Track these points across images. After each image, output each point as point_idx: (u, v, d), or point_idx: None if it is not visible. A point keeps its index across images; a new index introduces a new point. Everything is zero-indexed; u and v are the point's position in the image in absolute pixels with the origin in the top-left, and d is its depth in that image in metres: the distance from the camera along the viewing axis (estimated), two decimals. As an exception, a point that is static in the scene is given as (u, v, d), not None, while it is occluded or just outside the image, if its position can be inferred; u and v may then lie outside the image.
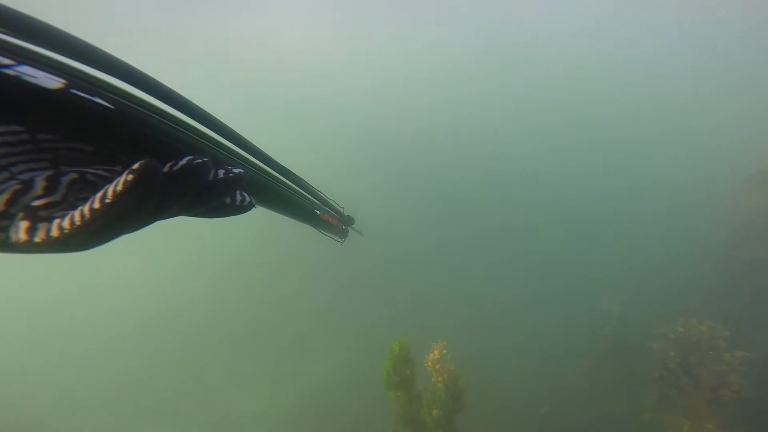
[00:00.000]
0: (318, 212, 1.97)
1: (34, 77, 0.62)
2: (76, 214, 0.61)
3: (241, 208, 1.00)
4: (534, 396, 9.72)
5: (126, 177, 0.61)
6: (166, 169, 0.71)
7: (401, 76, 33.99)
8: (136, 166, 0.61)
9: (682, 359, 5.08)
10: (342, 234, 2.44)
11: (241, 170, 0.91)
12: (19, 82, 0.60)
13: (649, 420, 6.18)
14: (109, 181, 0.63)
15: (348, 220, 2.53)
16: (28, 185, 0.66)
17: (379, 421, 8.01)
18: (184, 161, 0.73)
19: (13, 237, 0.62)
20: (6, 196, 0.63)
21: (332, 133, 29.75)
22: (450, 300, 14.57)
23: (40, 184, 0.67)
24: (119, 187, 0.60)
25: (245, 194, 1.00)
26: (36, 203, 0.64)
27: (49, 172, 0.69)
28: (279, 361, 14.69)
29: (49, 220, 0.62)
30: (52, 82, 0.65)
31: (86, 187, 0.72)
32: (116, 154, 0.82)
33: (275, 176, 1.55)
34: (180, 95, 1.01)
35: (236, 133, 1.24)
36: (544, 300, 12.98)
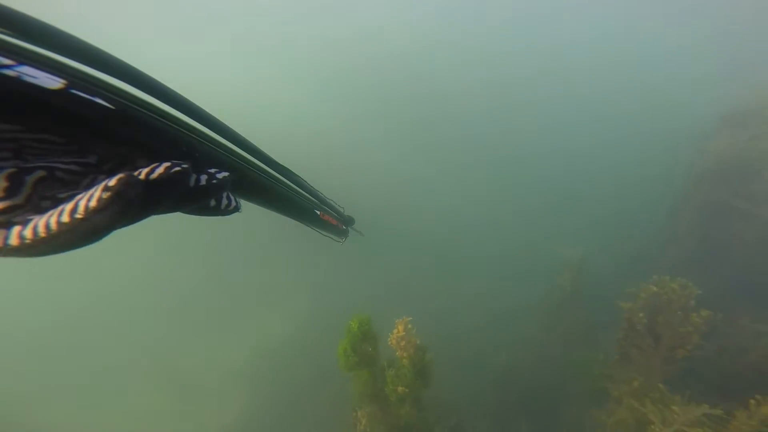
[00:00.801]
0: (318, 212, 1.99)
1: (34, 77, 0.63)
2: (41, 224, 0.60)
3: (226, 211, 1.02)
4: (492, 346, 10.13)
5: (101, 194, 0.60)
6: (142, 176, 0.69)
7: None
8: (113, 182, 0.61)
9: (650, 320, 5.02)
10: (342, 234, 2.46)
11: (226, 175, 0.92)
12: (19, 82, 0.61)
13: (600, 373, 6.40)
14: (85, 184, 0.70)
15: (348, 220, 2.53)
16: None
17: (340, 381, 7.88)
18: (161, 169, 0.71)
19: None
20: None
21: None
22: (407, 253, 14.47)
23: (0, 184, 0.65)
24: (93, 203, 0.59)
25: (231, 197, 1.03)
26: None
27: (11, 169, 0.67)
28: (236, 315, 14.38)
29: (8, 227, 0.60)
30: (52, 82, 0.66)
31: (54, 185, 0.71)
32: (89, 145, 0.80)
33: (275, 176, 1.56)
34: (181, 96, 1.03)
35: (237, 133, 1.25)
36: (506, 249, 13.21)
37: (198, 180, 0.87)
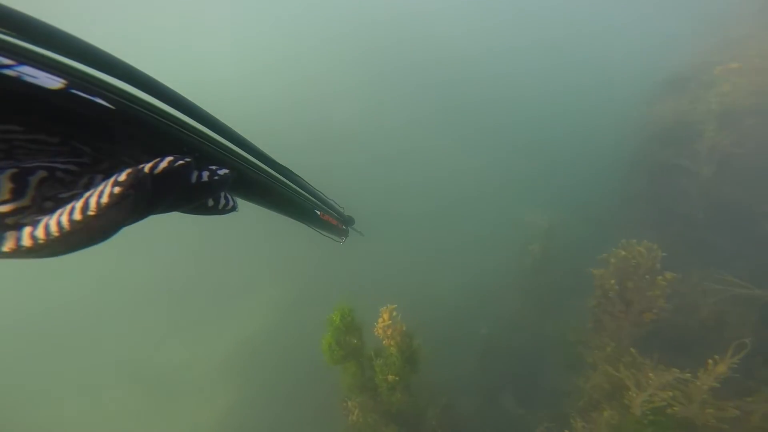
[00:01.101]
0: (318, 212, 2.00)
1: (34, 77, 0.63)
2: (53, 223, 0.60)
3: (224, 211, 1.03)
4: (472, 320, 10.57)
5: (112, 189, 0.61)
6: (146, 170, 0.69)
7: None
8: (122, 176, 0.62)
9: (620, 286, 5.39)
10: (342, 234, 2.48)
11: (227, 172, 0.92)
12: (19, 82, 0.61)
13: (576, 340, 6.86)
14: (83, 184, 0.71)
15: (348, 220, 2.55)
16: None
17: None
18: (164, 163, 0.71)
19: None
20: None
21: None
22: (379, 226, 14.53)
23: (6, 185, 0.65)
24: (104, 199, 0.61)
25: (229, 197, 1.04)
26: (2, 209, 0.63)
27: (13, 170, 0.67)
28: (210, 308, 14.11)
29: (18, 228, 0.62)
30: (52, 82, 0.66)
31: (55, 185, 0.71)
32: (80, 145, 0.79)
33: (275, 176, 1.57)
34: (181, 96, 1.03)
35: (236, 133, 1.27)
36: (474, 220, 13.58)
37: (200, 176, 0.88)
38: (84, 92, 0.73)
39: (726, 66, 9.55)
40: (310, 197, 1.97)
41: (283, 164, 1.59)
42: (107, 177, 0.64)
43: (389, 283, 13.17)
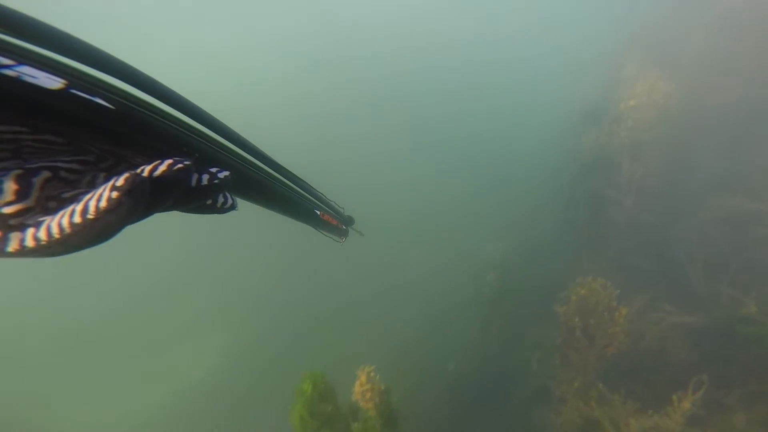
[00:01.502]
0: (318, 212, 2.03)
1: (34, 77, 0.64)
2: (54, 225, 0.63)
3: (222, 210, 1.03)
4: (438, 353, 10.73)
5: (110, 193, 0.63)
6: (145, 173, 0.72)
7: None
8: (120, 182, 0.64)
9: (583, 322, 5.86)
10: (342, 234, 2.51)
11: (227, 174, 0.95)
12: (19, 82, 0.62)
13: (540, 371, 7.27)
14: (86, 182, 0.74)
15: (348, 220, 2.58)
16: None
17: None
18: (163, 166, 0.72)
19: None
20: None
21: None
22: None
23: (10, 187, 0.67)
24: (103, 204, 0.62)
25: (228, 196, 1.04)
26: (6, 210, 0.65)
27: (18, 170, 0.69)
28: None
29: (22, 229, 0.64)
30: (52, 82, 0.67)
31: (58, 185, 0.74)
32: (87, 143, 0.82)
33: (275, 176, 1.60)
34: (180, 96, 1.03)
35: (236, 133, 1.27)
36: (433, 252, 13.97)
37: (200, 179, 0.90)
38: (84, 92, 0.73)
39: (626, 103, 11.18)
40: (309, 197, 2.00)
41: (283, 164, 1.61)
42: (109, 176, 0.70)
43: (351, 319, 12.93)
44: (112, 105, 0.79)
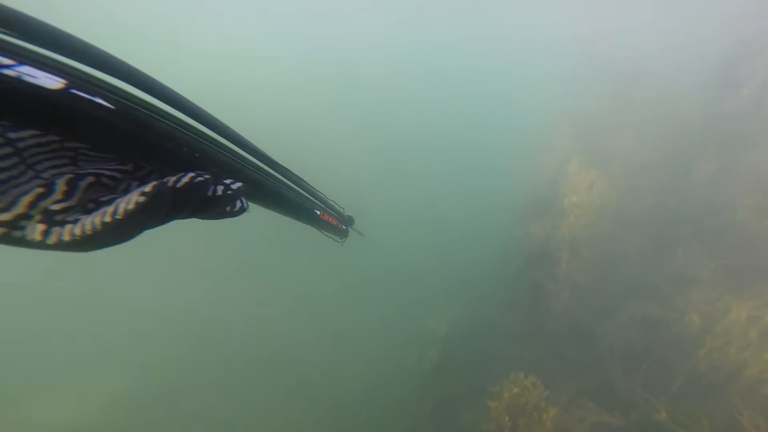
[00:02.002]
0: (318, 212, 2.04)
1: (34, 77, 0.66)
2: (87, 223, 0.74)
3: (234, 213, 1.14)
4: (370, 421, 10.43)
5: (137, 198, 0.76)
6: (170, 183, 0.85)
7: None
8: (148, 188, 0.77)
9: (512, 421, 6.12)
10: (342, 234, 2.53)
11: (240, 185, 1.09)
12: (19, 82, 0.64)
13: None
14: (121, 189, 0.86)
15: (348, 221, 2.61)
16: (50, 188, 0.77)
17: None
18: (186, 178, 0.87)
19: (29, 236, 0.73)
20: (29, 198, 0.74)
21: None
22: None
23: (60, 188, 0.79)
24: (131, 206, 0.75)
25: (242, 200, 1.15)
26: (54, 207, 0.76)
27: (69, 175, 0.81)
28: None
29: (62, 224, 0.75)
30: (52, 82, 0.69)
31: (99, 189, 0.85)
32: (128, 155, 0.91)
33: (276, 177, 1.64)
34: (180, 95, 1.07)
35: (236, 133, 1.31)
36: (379, 313, 13.98)
37: (215, 190, 1.00)
38: (84, 92, 0.75)
39: (570, 198, 12.56)
40: (310, 197, 2.03)
41: (283, 165, 1.64)
42: (142, 183, 0.79)
43: (284, 360, 12.33)
44: (112, 105, 0.82)
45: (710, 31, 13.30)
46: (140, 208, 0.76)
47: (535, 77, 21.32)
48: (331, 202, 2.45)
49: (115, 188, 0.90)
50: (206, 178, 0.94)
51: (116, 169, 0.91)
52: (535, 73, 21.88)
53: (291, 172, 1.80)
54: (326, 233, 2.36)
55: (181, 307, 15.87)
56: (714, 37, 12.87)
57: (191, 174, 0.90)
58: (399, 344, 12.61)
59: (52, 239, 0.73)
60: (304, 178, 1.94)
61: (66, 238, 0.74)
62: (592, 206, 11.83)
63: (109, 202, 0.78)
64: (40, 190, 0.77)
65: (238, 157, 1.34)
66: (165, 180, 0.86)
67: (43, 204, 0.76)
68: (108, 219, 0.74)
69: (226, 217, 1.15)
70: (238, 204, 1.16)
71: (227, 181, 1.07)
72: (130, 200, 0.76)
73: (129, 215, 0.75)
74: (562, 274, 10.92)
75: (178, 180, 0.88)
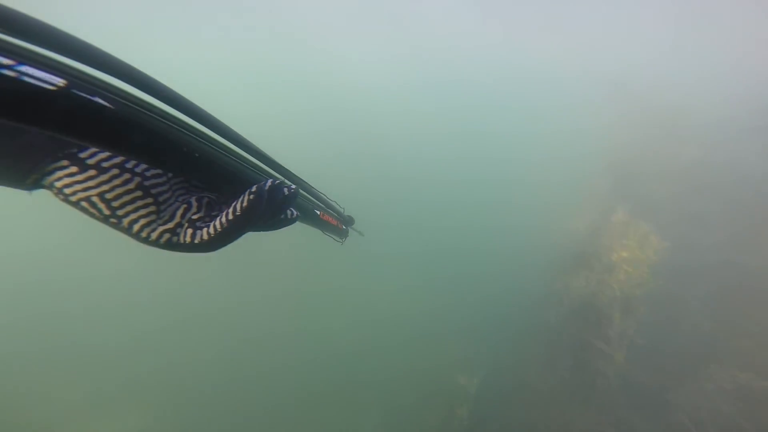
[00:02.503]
0: (318, 212, 2.07)
1: (34, 77, 0.69)
2: (214, 224, 1.05)
3: (292, 221, 1.31)
4: None
5: (248, 196, 1.03)
6: (267, 186, 1.08)
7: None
8: (253, 189, 1.04)
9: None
10: (342, 234, 2.56)
11: (295, 187, 1.21)
12: (19, 83, 0.66)
13: None
14: (223, 201, 1.17)
15: (348, 220, 2.62)
16: (189, 205, 1.11)
17: None
18: (269, 183, 1.09)
19: (181, 239, 1.03)
20: (180, 212, 1.08)
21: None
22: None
23: (195, 204, 1.12)
24: (245, 203, 1.02)
25: (293, 209, 1.33)
26: (194, 217, 1.08)
27: (196, 197, 1.14)
28: None
29: (200, 228, 1.05)
30: (52, 82, 0.71)
31: (213, 206, 1.16)
32: (217, 185, 1.18)
33: (275, 176, 1.69)
34: (180, 95, 1.11)
35: (236, 133, 1.36)
36: (402, 364, 12.89)
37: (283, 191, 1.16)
38: (84, 92, 0.77)
39: (618, 253, 11.74)
40: (310, 197, 2.06)
41: (283, 164, 1.68)
42: (228, 204, 1.08)
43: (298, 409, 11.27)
44: (112, 105, 0.84)
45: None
46: (251, 203, 1.01)
47: (568, 117, 21.28)
48: (332, 202, 2.48)
49: (218, 207, 1.16)
50: (282, 181, 1.14)
51: (213, 196, 1.18)
52: (568, 112, 21.85)
53: (291, 172, 1.84)
54: (326, 233, 2.43)
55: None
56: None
57: (270, 180, 1.10)
58: (423, 399, 11.42)
59: (197, 239, 1.02)
60: (304, 178, 1.98)
61: (205, 237, 1.02)
62: (646, 262, 11.02)
63: (218, 215, 1.07)
64: (185, 206, 1.08)
65: (238, 157, 1.36)
66: (261, 183, 1.07)
67: (188, 215, 1.07)
68: (231, 216, 1.02)
69: (281, 226, 1.30)
70: (295, 212, 1.32)
71: (287, 185, 1.22)
72: (243, 199, 1.02)
73: (245, 209, 1.01)
74: (615, 333, 9.90)
75: (264, 184, 1.07)
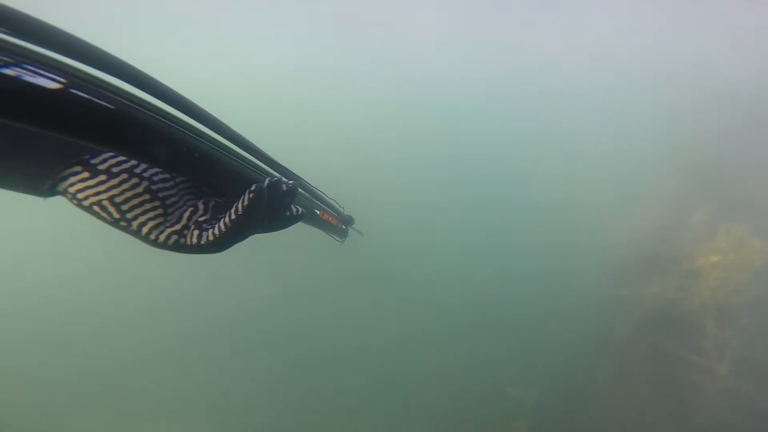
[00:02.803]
0: (318, 212, 2.08)
1: (34, 77, 0.70)
2: (218, 225, 1.07)
3: (298, 218, 1.34)
4: None
5: (248, 195, 1.03)
6: (265, 184, 1.09)
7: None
8: (252, 188, 1.04)
9: None
10: (342, 234, 2.56)
11: (294, 183, 1.22)
12: (18, 82, 0.67)
13: None
14: (229, 204, 1.14)
15: (348, 220, 2.62)
16: (195, 208, 1.13)
17: None
18: (267, 181, 1.09)
19: (188, 240, 1.06)
20: (187, 214, 1.10)
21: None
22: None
23: (201, 207, 1.14)
24: (245, 203, 1.03)
25: (297, 206, 1.36)
26: (200, 219, 1.10)
27: (203, 200, 1.16)
28: None
29: (206, 229, 1.07)
30: (51, 82, 0.72)
31: (220, 208, 1.17)
32: (221, 188, 1.20)
33: (276, 176, 1.65)
34: (179, 95, 1.11)
35: (235, 132, 1.35)
36: (451, 393, 11.61)
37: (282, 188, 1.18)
38: (84, 92, 0.77)
39: (706, 258, 10.17)
40: (310, 197, 2.02)
41: (283, 164, 1.66)
42: (239, 200, 1.07)
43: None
44: (112, 105, 0.83)
45: None
46: (251, 201, 1.02)
47: (632, 108, 19.67)
48: (332, 202, 2.42)
49: (224, 209, 1.17)
50: (279, 178, 1.13)
51: (220, 200, 1.21)
52: (632, 103, 20.20)
53: (291, 172, 1.81)
54: (326, 233, 2.41)
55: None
56: None
57: (268, 178, 1.10)
58: (471, 412, 10.17)
59: (203, 240, 1.06)
60: (304, 177, 1.94)
61: (210, 238, 1.06)
62: (745, 267, 9.47)
63: (222, 217, 1.08)
64: (192, 209, 1.12)
65: (237, 156, 1.31)
66: (260, 182, 1.07)
67: (195, 217, 1.11)
68: (233, 216, 1.04)
69: (288, 225, 1.31)
70: (300, 209, 1.34)
71: (284, 182, 1.22)
72: (244, 199, 1.03)
73: (246, 208, 1.03)
74: (712, 345, 8.44)
75: (262, 183, 1.07)
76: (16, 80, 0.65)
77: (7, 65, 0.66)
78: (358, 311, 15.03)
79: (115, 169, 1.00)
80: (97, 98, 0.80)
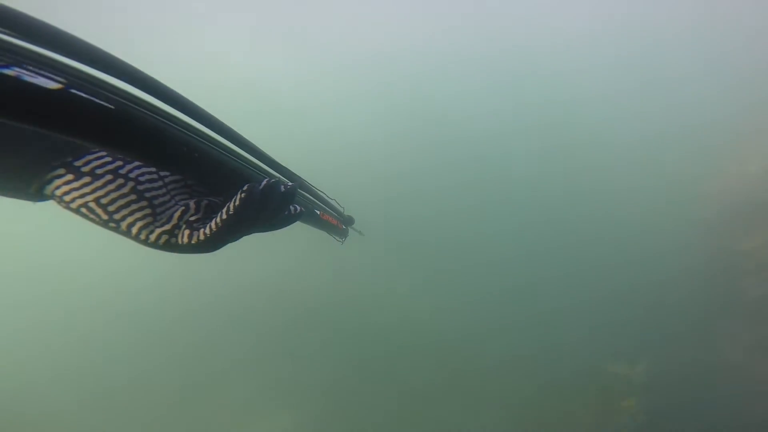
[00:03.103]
0: (318, 212, 2.10)
1: (34, 77, 0.70)
2: (209, 224, 1.06)
3: (296, 217, 1.32)
4: None
5: (240, 195, 1.04)
6: (261, 186, 1.09)
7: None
8: (245, 188, 1.05)
9: None
10: (342, 234, 2.60)
11: (294, 183, 1.24)
12: (18, 82, 0.67)
13: None
14: (223, 204, 1.09)
15: (348, 220, 2.65)
16: (187, 207, 1.11)
17: None
18: (264, 182, 1.10)
19: (178, 240, 1.06)
20: (177, 214, 1.09)
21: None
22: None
23: (192, 206, 1.12)
24: (237, 203, 1.03)
25: (296, 204, 1.35)
26: (192, 219, 1.09)
27: (194, 200, 1.15)
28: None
29: (197, 229, 1.07)
30: (51, 82, 0.73)
31: (214, 208, 1.16)
32: (219, 188, 1.19)
33: (276, 177, 1.72)
34: (179, 94, 1.12)
35: (236, 132, 1.38)
36: (545, 368, 10.90)
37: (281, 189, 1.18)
38: (83, 92, 0.77)
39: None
40: (310, 197, 2.02)
41: (283, 164, 1.65)
42: (231, 200, 1.07)
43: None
44: (112, 105, 0.83)
45: None
46: (243, 201, 1.02)
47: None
48: (332, 202, 2.42)
49: (219, 209, 1.12)
50: (277, 180, 1.13)
51: (216, 199, 1.19)
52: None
53: (291, 172, 1.76)
54: (326, 233, 2.41)
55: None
56: None
57: (266, 179, 1.11)
58: (571, 393, 9.36)
59: (194, 239, 1.05)
60: (305, 178, 1.90)
61: (201, 237, 1.04)
62: None
63: (214, 217, 1.07)
64: (183, 208, 1.10)
65: (237, 155, 1.33)
66: (254, 184, 1.07)
67: (186, 217, 1.09)
68: (224, 216, 1.03)
69: (286, 224, 1.30)
70: (299, 208, 1.31)
71: (284, 183, 1.22)
72: (236, 199, 1.03)
73: (237, 209, 1.02)
74: None
75: (259, 184, 1.07)
76: (16, 80, 0.66)
77: (7, 65, 0.66)
78: (445, 306, 14.71)
79: (99, 171, 1.00)
80: (98, 98, 0.80)
